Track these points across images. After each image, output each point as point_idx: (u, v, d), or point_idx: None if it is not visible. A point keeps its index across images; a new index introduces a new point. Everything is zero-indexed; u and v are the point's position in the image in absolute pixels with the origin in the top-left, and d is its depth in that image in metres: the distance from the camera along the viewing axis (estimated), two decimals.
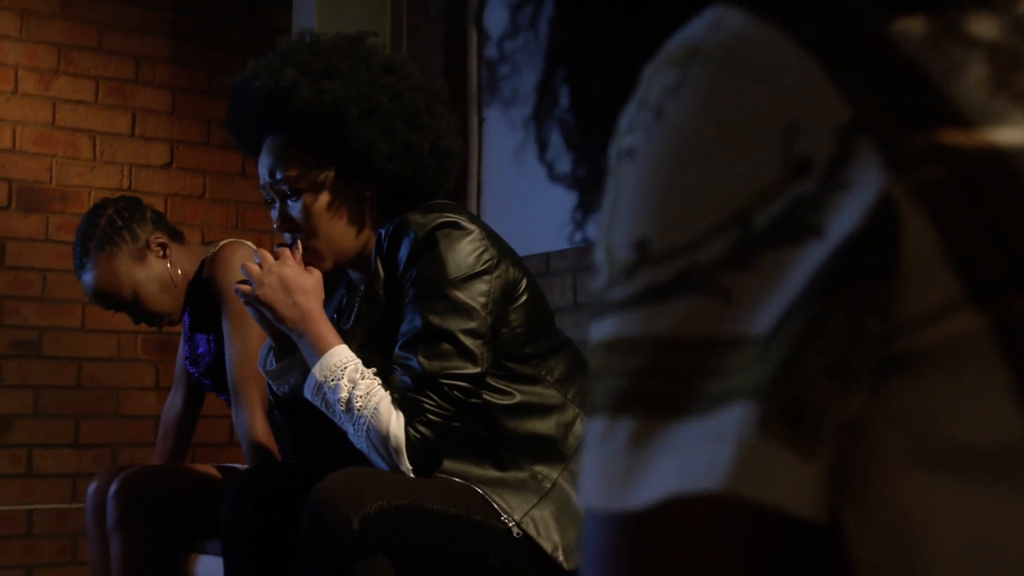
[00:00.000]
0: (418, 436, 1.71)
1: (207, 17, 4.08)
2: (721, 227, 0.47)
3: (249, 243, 2.49)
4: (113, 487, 2.30)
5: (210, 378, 2.53)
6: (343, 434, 1.78)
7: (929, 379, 0.46)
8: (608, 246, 0.50)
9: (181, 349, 2.64)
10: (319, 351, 1.79)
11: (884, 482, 0.47)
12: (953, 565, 0.46)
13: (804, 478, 0.46)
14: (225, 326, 2.37)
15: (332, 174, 1.88)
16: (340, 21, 3.77)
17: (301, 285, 1.84)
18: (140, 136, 3.95)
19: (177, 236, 2.53)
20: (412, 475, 1.72)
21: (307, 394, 1.81)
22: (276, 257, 1.86)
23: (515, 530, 1.75)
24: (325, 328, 1.82)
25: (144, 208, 2.50)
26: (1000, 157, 0.45)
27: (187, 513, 2.34)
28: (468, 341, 1.74)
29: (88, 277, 2.43)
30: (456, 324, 1.74)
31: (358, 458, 1.77)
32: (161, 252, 2.46)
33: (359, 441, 1.74)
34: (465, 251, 1.77)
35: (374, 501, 1.64)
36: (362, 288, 1.94)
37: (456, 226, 1.78)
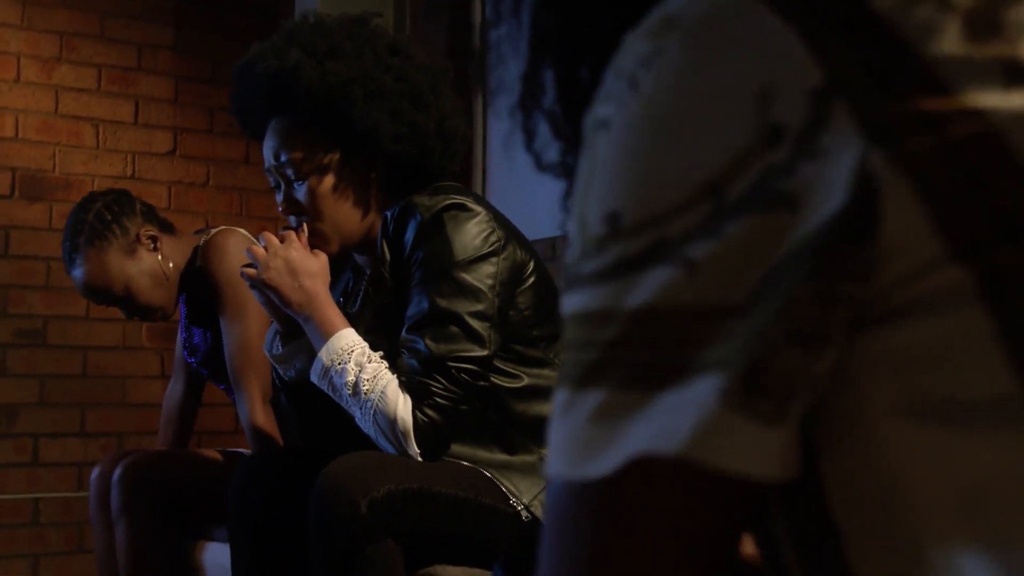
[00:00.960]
0: (426, 419, 1.70)
1: (210, 4, 4.06)
2: (693, 199, 0.46)
3: (242, 231, 2.47)
4: (117, 472, 2.29)
5: (208, 367, 2.52)
6: (350, 418, 1.77)
7: (912, 331, 0.46)
8: (581, 219, 0.50)
9: (179, 337, 2.63)
10: (326, 335, 1.78)
11: (867, 435, 0.47)
12: (943, 514, 0.46)
13: (767, 444, 0.46)
14: (221, 315, 2.35)
15: (337, 156, 1.88)
16: (344, 6, 3.75)
17: (307, 268, 1.82)
18: (143, 124, 3.94)
19: (168, 228, 2.51)
20: (420, 459, 1.71)
21: (314, 378, 1.80)
22: (281, 240, 1.85)
23: (524, 513, 1.75)
24: (332, 311, 1.81)
25: (133, 201, 2.48)
26: (980, 121, 0.45)
27: (193, 499, 2.33)
28: (476, 323, 1.73)
29: (79, 273, 2.41)
30: (463, 306, 1.73)
31: (365, 442, 1.76)
32: (152, 245, 2.43)
33: (366, 425, 1.73)
34: (472, 233, 1.76)
35: (382, 485, 1.63)
36: (368, 272, 1.92)
37: (463, 208, 1.77)
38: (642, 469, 0.46)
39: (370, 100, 1.85)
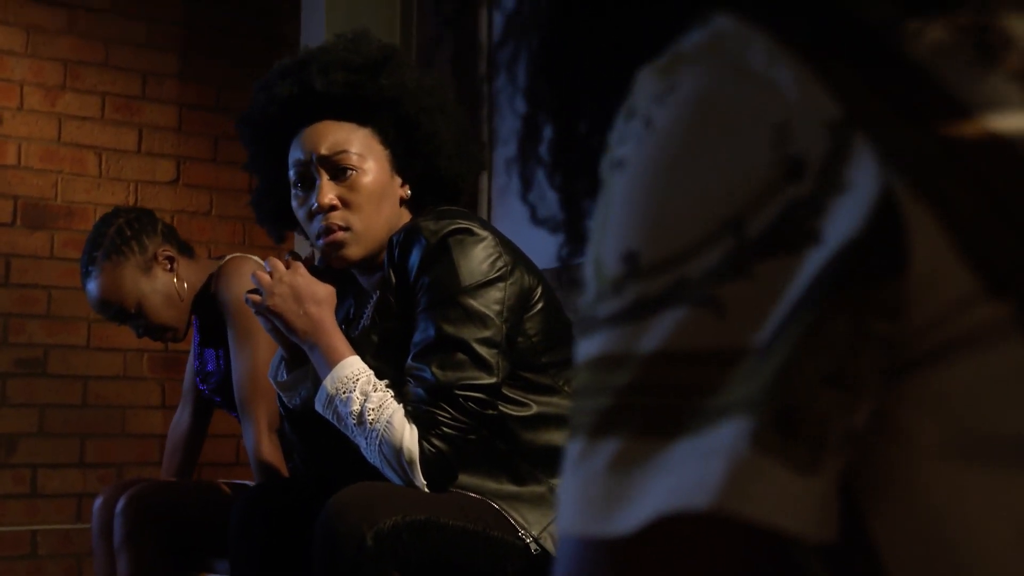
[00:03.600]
0: (432, 450, 1.67)
1: (215, 32, 4.05)
2: (713, 236, 0.45)
3: (255, 257, 2.48)
4: (121, 503, 2.26)
5: (220, 395, 2.50)
6: (356, 448, 1.74)
7: (954, 370, 0.44)
8: (597, 260, 0.48)
9: (190, 365, 2.62)
10: (330, 363, 1.75)
11: (913, 483, 0.45)
12: (1002, 558, 0.44)
13: (802, 493, 0.43)
14: (231, 342, 2.35)
15: (387, 164, 1.86)
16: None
17: (313, 295, 1.80)
18: (147, 152, 3.93)
19: (186, 250, 2.52)
20: (426, 490, 1.68)
21: (318, 407, 1.77)
22: (287, 267, 1.82)
23: (533, 546, 1.71)
24: (337, 339, 1.78)
25: (155, 220, 2.50)
26: (1002, 144, 0.43)
27: (197, 530, 2.30)
28: (483, 350, 1.70)
29: (93, 286, 2.42)
30: (470, 333, 1.70)
31: (371, 472, 1.73)
32: (168, 265, 2.45)
33: (372, 455, 1.70)
34: (479, 258, 1.73)
35: (388, 517, 1.60)
36: (374, 296, 1.90)
37: (469, 232, 1.75)
38: (669, 524, 0.43)
39: (439, 113, 1.86)
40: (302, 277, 1.81)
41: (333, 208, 1.80)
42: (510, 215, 3.45)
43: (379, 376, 1.75)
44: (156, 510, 2.26)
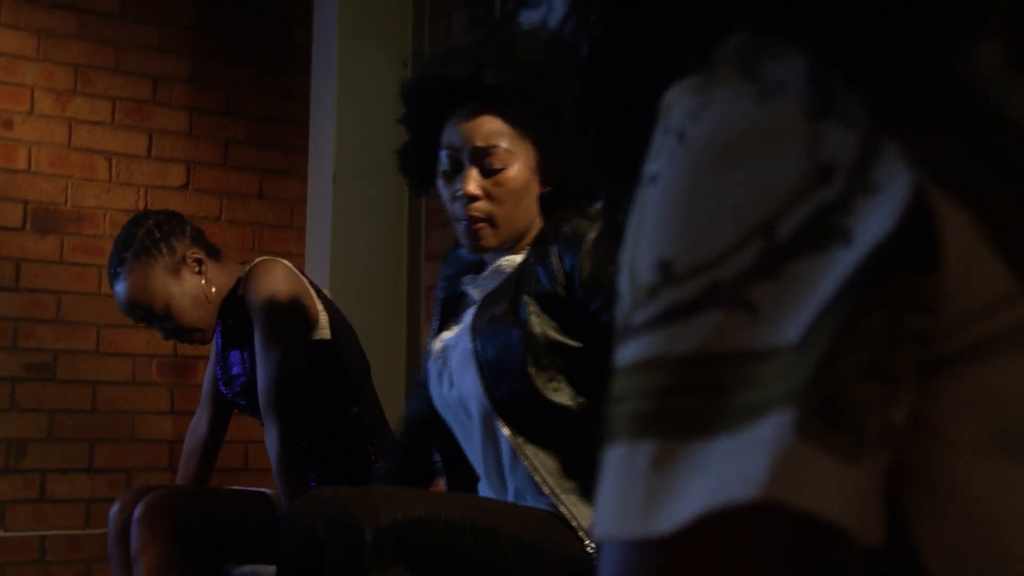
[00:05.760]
0: None
1: (225, 37, 4.05)
2: (744, 239, 0.46)
3: (285, 261, 2.47)
4: (139, 510, 2.25)
5: (245, 398, 2.50)
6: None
7: (993, 368, 0.45)
8: (631, 271, 0.49)
9: (211, 370, 2.61)
10: None
11: (952, 481, 0.46)
12: None
13: (849, 483, 0.43)
14: (257, 345, 2.35)
15: (532, 163, 1.92)
16: (362, 40, 3.75)
17: None
18: (157, 157, 3.92)
19: (214, 253, 2.53)
20: None
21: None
22: None
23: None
24: None
25: (184, 223, 2.52)
26: None
27: (214, 538, 2.29)
28: None
29: (121, 287, 2.43)
30: None
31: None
32: (197, 268, 2.46)
33: None
34: None
35: (390, 513, 1.63)
36: (500, 265, 1.94)
37: None
38: (715, 519, 0.42)
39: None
40: None
41: (476, 198, 1.88)
42: None
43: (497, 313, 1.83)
44: (174, 517, 2.25)
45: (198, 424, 2.65)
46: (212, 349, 2.61)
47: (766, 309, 0.45)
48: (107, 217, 3.75)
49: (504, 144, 1.89)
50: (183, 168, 3.96)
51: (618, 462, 0.46)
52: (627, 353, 0.47)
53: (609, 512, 0.45)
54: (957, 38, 0.47)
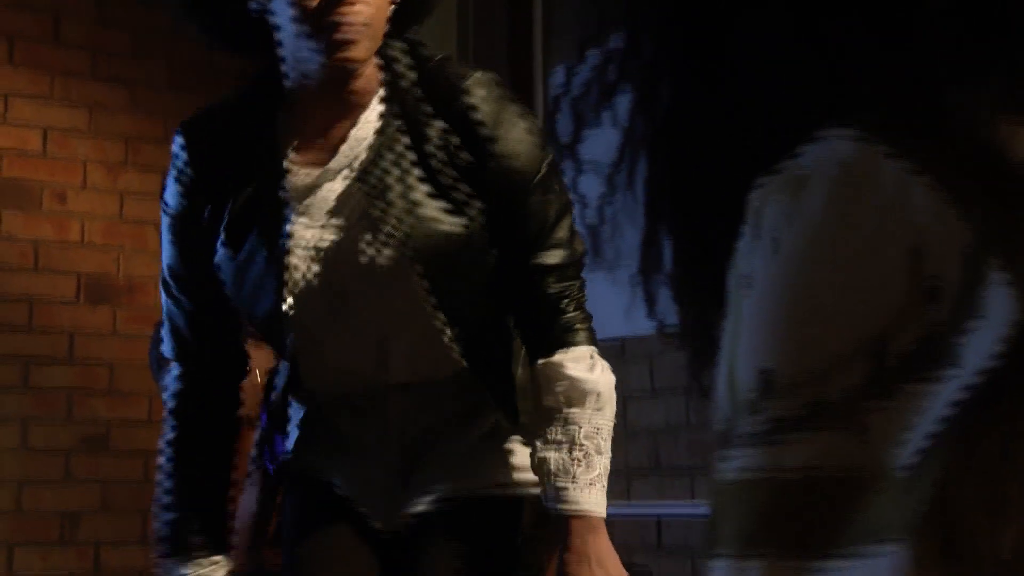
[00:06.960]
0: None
1: None
2: (852, 356, 0.45)
3: None
4: None
5: None
6: None
7: None
8: (730, 378, 0.48)
9: (256, 447, 2.60)
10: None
11: None
12: None
13: None
14: None
15: None
16: None
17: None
18: None
19: (254, 335, 2.51)
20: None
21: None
22: None
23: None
24: None
25: None
26: None
27: None
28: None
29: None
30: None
31: None
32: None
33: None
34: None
35: None
36: (393, 122, 1.56)
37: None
38: None
39: None
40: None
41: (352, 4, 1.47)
42: None
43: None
44: None
45: (248, 500, 2.63)
46: (257, 426, 2.60)
47: (877, 430, 0.44)
48: (158, 287, 3.79)
49: None
50: None
51: None
52: (732, 465, 0.47)
53: None
54: None
